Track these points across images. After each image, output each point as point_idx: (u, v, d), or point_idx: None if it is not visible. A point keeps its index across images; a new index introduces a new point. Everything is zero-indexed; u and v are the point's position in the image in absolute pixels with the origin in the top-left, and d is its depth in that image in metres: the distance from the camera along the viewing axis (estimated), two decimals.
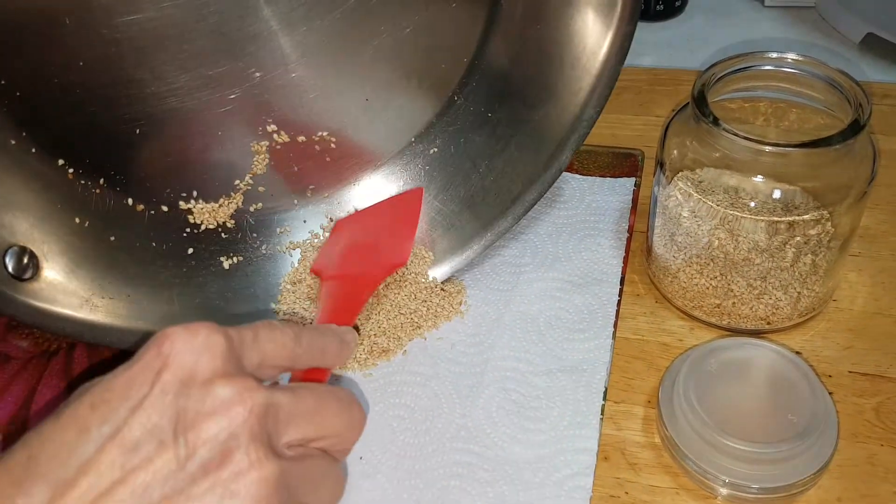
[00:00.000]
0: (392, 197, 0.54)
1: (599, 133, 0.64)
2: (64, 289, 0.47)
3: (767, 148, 0.41)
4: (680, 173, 0.46)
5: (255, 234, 0.53)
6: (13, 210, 0.46)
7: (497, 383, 0.47)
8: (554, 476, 0.42)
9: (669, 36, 0.78)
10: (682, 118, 0.47)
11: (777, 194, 0.44)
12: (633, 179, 0.59)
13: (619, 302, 0.51)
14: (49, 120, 0.46)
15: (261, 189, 0.52)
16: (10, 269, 0.45)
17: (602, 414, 0.45)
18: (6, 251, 0.45)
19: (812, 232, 0.43)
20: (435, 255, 0.53)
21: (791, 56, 0.46)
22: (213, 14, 0.45)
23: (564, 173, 0.60)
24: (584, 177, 0.60)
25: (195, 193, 0.51)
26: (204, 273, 0.52)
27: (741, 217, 0.44)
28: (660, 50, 0.76)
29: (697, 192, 0.45)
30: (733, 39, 0.75)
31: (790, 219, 0.43)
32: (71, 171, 0.48)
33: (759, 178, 0.44)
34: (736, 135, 0.42)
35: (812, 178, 0.44)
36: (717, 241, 0.45)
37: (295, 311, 0.51)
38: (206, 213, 0.52)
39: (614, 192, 0.59)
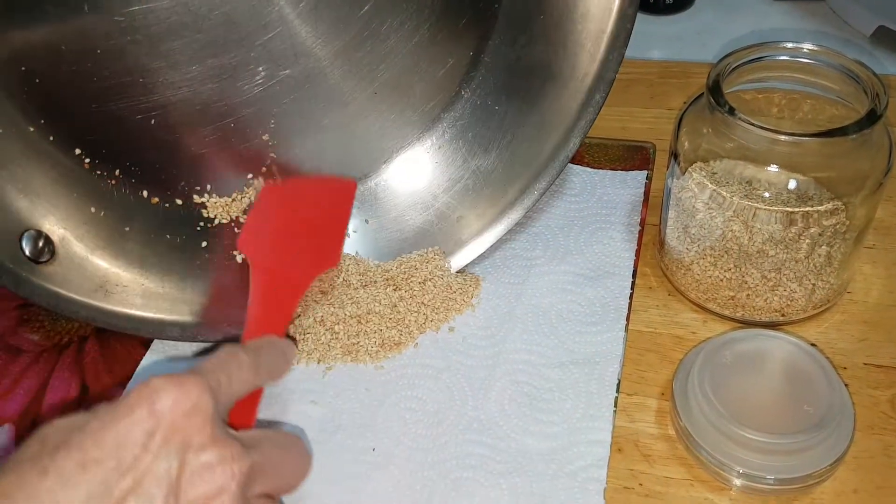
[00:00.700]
0: (322, 178, 0.53)
1: (610, 126, 0.63)
2: (79, 274, 0.48)
3: (783, 137, 0.41)
4: (694, 164, 0.46)
5: None
6: (30, 196, 0.47)
7: (509, 376, 0.47)
8: (567, 468, 0.42)
9: (679, 30, 0.77)
10: (696, 109, 0.47)
11: (792, 185, 0.44)
12: (645, 172, 0.59)
13: (631, 295, 0.51)
14: (66, 109, 0.47)
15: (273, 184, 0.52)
16: (26, 251, 0.46)
17: (615, 406, 0.45)
18: (23, 234, 0.46)
19: (827, 223, 0.43)
20: (447, 249, 0.53)
21: (806, 46, 0.45)
22: (225, 3, 0.45)
23: (575, 166, 0.60)
24: (595, 170, 0.60)
25: (209, 187, 0.52)
26: (217, 266, 0.52)
27: (756, 208, 0.43)
28: (669, 43, 0.75)
29: (712, 184, 0.45)
30: (743, 33, 0.74)
31: (805, 209, 0.43)
32: (88, 160, 0.48)
33: (774, 169, 0.44)
34: (752, 124, 0.42)
35: (827, 168, 0.44)
36: (731, 233, 0.45)
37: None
38: (220, 208, 0.52)
39: (626, 186, 0.58)
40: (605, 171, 0.60)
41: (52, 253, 0.47)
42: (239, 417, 0.38)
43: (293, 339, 0.49)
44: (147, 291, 0.50)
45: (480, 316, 0.51)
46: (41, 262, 0.46)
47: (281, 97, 0.49)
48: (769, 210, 0.43)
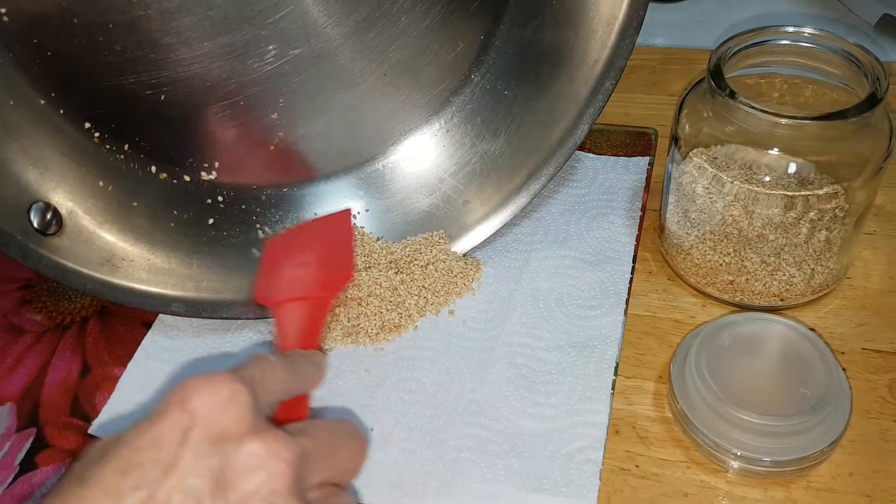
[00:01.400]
0: (319, 218, 0.54)
1: (613, 112, 0.63)
2: (86, 247, 0.48)
3: (784, 121, 0.41)
4: (695, 149, 0.46)
5: (273, 209, 0.54)
6: (40, 168, 0.47)
7: (507, 358, 0.47)
8: (564, 449, 0.42)
9: (682, 18, 0.77)
10: (696, 93, 0.47)
11: (792, 168, 0.44)
12: (647, 158, 0.59)
13: (631, 279, 0.51)
14: (77, 82, 0.47)
15: (280, 163, 0.52)
16: (34, 223, 0.46)
17: (613, 389, 0.45)
18: (31, 206, 0.46)
19: (827, 207, 0.43)
20: (452, 233, 0.53)
21: (807, 30, 0.45)
22: None
23: (577, 152, 0.60)
24: (598, 156, 0.60)
25: (217, 165, 0.52)
26: (224, 243, 0.52)
27: (756, 192, 0.43)
28: (672, 31, 0.75)
29: (712, 168, 0.45)
30: (747, 22, 0.74)
31: (805, 193, 0.43)
32: (97, 135, 0.49)
33: (774, 153, 0.44)
34: (752, 107, 0.42)
35: (828, 152, 0.44)
36: (731, 217, 0.45)
37: None
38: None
39: (628, 171, 0.58)
40: (607, 156, 0.60)
41: (60, 225, 0.47)
42: (289, 413, 0.37)
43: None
44: (153, 266, 0.50)
45: (481, 299, 0.51)
46: (48, 235, 0.46)
47: (291, 76, 0.49)
48: (769, 194, 0.43)
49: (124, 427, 0.46)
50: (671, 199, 0.48)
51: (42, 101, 0.47)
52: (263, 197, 0.54)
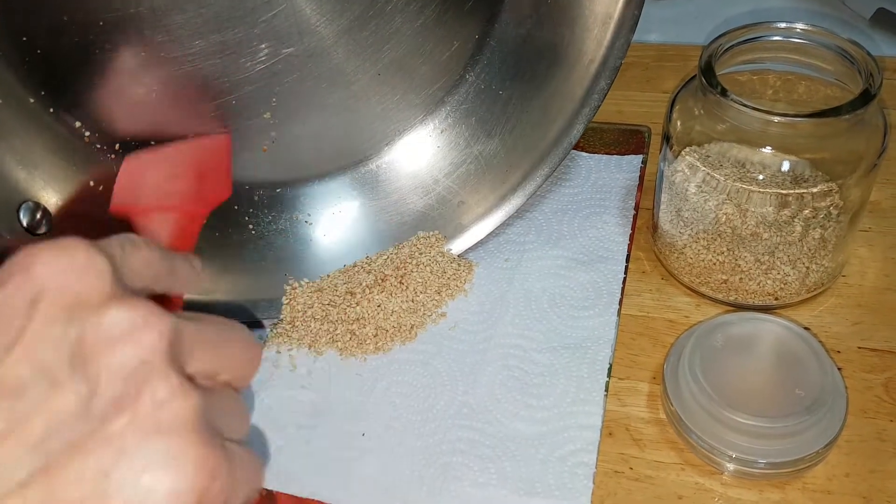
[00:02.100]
0: (191, 141, 0.49)
1: (606, 110, 0.62)
2: None
3: (776, 118, 0.40)
4: (687, 148, 0.46)
5: (266, 210, 0.53)
6: (29, 167, 0.47)
7: (500, 360, 0.47)
8: (557, 452, 0.42)
9: (676, 13, 0.77)
10: (688, 91, 0.46)
11: (786, 167, 0.43)
12: (640, 157, 0.59)
13: (624, 279, 0.50)
14: (67, 80, 0.47)
15: (273, 163, 0.52)
16: (23, 223, 0.46)
17: (606, 390, 0.45)
18: (20, 206, 0.46)
19: (821, 205, 0.42)
20: (447, 233, 0.53)
21: (800, 26, 0.45)
22: None
23: (570, 151, 0.59)
24: (590, 154, 0.60)
25: None
26: (215, 244, 0.52)
27: (749, 190, 0.43)
28: (666, 27, 0.75)
29: (705, 166, 0.44)
30: (740, 17, 0.74)
31: (799, 191, 0.42)
32: (87, 133, 0.48)
33: (767, 151, 0.43)
34: (744, 105, 0.41)
35: (821, 149, 0.43)
36: (724, 216, 0.44)
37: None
38: None
39: (621, 170, 0.58)
40: (600, 155, 0.60)
41: (50, 225, 0.47)
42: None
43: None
44: None
45: (473, 301, 0.51)
46: (38, 234, 0.46)
47: (283, 75, 0.49)
48: (763, 192, 0.43)
49: None
50: (664, 197, 0.48)
51: (31, 100, 0.47)
52: (256, 197, 0.53)
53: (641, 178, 0.57)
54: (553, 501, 0.40)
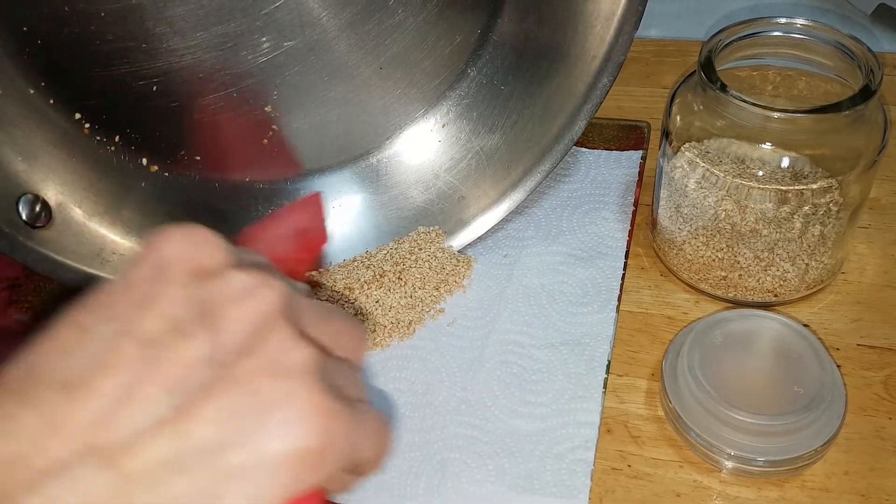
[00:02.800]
0: (292, 204, 0.51)
1: (606, 105, 0.61)
2: (75, 240, 0.48)
3: (776, 114, 0.40)
4: (686, 143, 0.45)
5: (266, 204, 0.53)
6: (29, 159, 0.47)
7: (498, 357, 0.47)
8: (555, 449, 0.42)
9: (678, 8, 0.76)
10: (688, 86, 0.46)
11: (785, 163, 0.43)
12: (640, 153, 0.58)
13: (623, 275, 0.50)
14: (68, 71, 0.46)
15: (273, 156, 0.52)
16: (23, 216, 0.46)
17: (605, 387, 0.44)
18: (20, 198, 0.46)
19: (821, 201, 0.42)
20: (447, 229, 0.53)
21: (800, 21, 0.44)
22: None
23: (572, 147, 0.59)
24: (590, 150, 0.59)
25: (209, 157, 0.51)
26: None
27: (749, 186, 0.43)
28: (667, 22, 0.74)
29: (704, 162, 0.44)
30: (741, 12, 0.73)
31: (799, 188, 0.42)
32: (87, 125, 0.48)
33: (767, 147, 0.43)
34: (744, 101, 0.41)
35: (821, 146, 0.43)
36: (723, 212, 0.44)
37: None
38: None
39: (620, 166, 0.58)
40: (599, 150, 0.59)
41: (49, 218, 0.47)
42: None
43: None
44: None
45: (471, 297, 0.51)
46: (38, 227, 0.46)
47: (285, 68, 0.49)
48: (762, 188, 0.42)
49: None
50: (663, 193, 0.48)
51: (31, 91, 0.46)
52: (256, 191, 0.53)
53: (641, 173, 0.57)
54: (551, 499, 0.40)
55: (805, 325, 0.43)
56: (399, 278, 0.50)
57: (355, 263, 0.52)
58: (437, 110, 0.54)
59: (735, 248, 0.45)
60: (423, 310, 0.50)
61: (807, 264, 0.45)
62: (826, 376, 0.40)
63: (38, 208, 0.46)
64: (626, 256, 0.51)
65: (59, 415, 0.23)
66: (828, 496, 0.39)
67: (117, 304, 0.26)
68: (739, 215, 0.44)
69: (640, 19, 0.47)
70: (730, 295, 0.47)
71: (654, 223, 0.51)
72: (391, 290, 0.50)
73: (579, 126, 0.50)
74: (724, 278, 0.47)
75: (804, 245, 0.44)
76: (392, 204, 0.54)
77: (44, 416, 0.23)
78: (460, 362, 0.47)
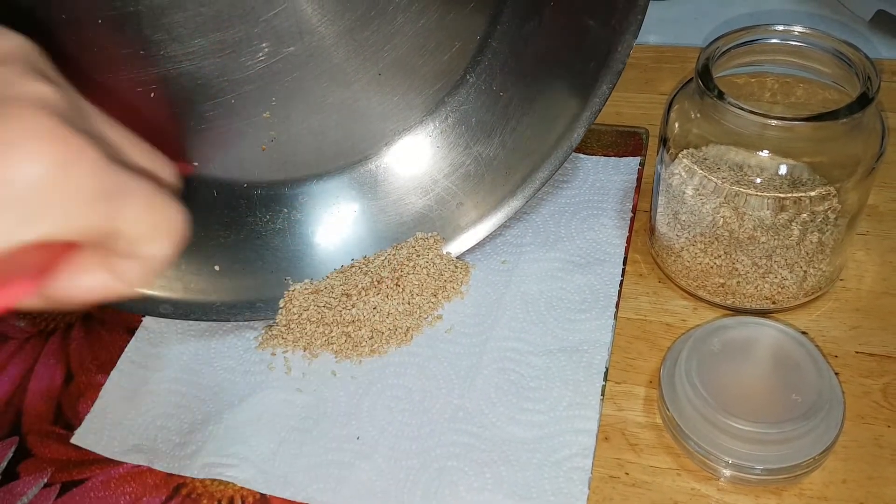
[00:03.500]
0: None
1: (604, 111, 0.61)
2: None
3: (773, 122, 0.40)
4: (684, 150, 0.45)
5: (264, 209, 0.53)
6: None
7: (496, 364, 0.46)
8: (553, 457, 0.42)
9: (676, 13, 0.76)
10: (686, 93, 0.46)
11: (783, 170, 0.43)
12: (638, 159, 0.58)
13: (621, 282, 0.50)
14: (65, 78, 0.46)
15: (272, 162, 0.52)
16: None
17: (602, 394, 0.44)
18: None
19: (819, 208, 0.42)
20: (445, 235, 0.53)
21: (798, 29, 0.44)
22: None
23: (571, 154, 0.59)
24: (588, 156, 0.59)
25: (206, 163, 0.51)
26: (211, 244, 0.51)
27: (747, 194, 0.43)
28: (666, 27, 0.74)
29: (702, 169, 0.44)
30: (740, 19, 0.73)
31: (797, 195, 0.42)
32: None
33: (764, 154, 0.43)
34: (741, 108, 0.41)
35: (819, 153, 0.43)
36: (721, 219, 0.44)
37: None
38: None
39: (618, 172, 0.58)
40: (597, 157, 0.59)
41: None
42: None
43: None
44: None
45: (469, 303, 0.51)
46: None
47: (284, 75, 0.49)
48: (760, 196, 0.42)
49: (107, 437, 0.46)
50: (661, 200, 0.48)
51: None
52: (254, 196, 0.53)
53: (639, 180, 0.57)
54: None
55: (803, 333, 0.43)
56: (397, 285, 0.50)
57: (353, 269, 0.51)
58: (435, 116, 0.54)
59: (733, 255, 0.45)
60: (420, 316, 0.50)
61: (805, 271, 0.45)
62: (824, 384, 0.39)
63: None
64: (625, 263, 0.51)
65: None
66: None
67: None
68: (737, 222, 0.44)
69: (639, 28, 0.47)
70: (728, 302, 0.47)
71: (652, 230, 0.51)
72: (389, 297, 0.49)
73: (578, 133, 0.49)
74: (723, 285, 0.46)
75: (802, 252, 0.44)
76: (390, 209, 0.54)
77: None
78: (458, 369, 0.47)
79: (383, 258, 0.52)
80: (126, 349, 0.51)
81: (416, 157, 0.54)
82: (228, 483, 0.43)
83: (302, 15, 0.47)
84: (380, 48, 0.50)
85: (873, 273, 0.49)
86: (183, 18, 0.45)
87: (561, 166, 0.50)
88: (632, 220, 0.54)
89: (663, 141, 0.46)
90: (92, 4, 0.44)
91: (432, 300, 0.50)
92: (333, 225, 0.54)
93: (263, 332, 0.51)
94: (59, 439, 0.47)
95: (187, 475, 0.44)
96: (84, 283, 0.27)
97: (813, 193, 0.42)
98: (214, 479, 0.43)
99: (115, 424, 0.47)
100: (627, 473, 0.41)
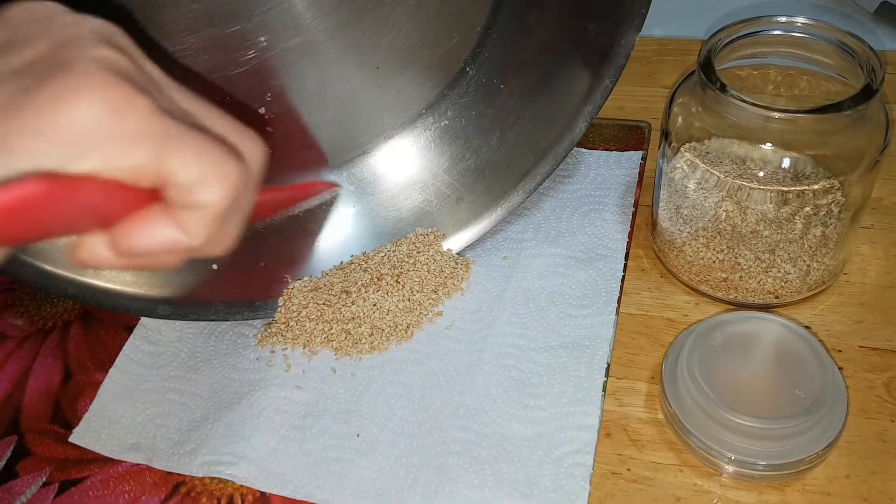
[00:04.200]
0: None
1: (606, 105, 0.61)
2: (67, 251, 0.47)
3: (776, 114, 0.40)
4: (686, 144, 0.45)
5: None
6: None
7: (496, 360, 0.46)
8: (553, 453, 0.41)
9: (679, 7, 0.76)
10: (687, 86, 0.46)
11: (786, 163, 0.42)
12: (640, 153, 0.58)
13: (623, 277, 0.50)
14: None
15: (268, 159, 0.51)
16: None
17: (604, 390, 0.44)
18: None
19: (822, 202, 0.42)
20: (445, 230, 0.52)
21: (801, 20, 0.44)
22: None
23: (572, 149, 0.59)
24: (590, 150, 0.59)
25: None
26: None
27: (749, 187, 0.42)
28: (668, 20, 0.74)
29: (704, 163, 0.44)
30: (743, 11, 0.73)
31: (800, 188, 0.41)
32: None
33: (767, 147, 0.42)
34: (744, 101, 0.40)
35: (822, 146, 0.42)
36: (724, 213, 0.44)
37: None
38: None
39: (620, 166, 0.57)
40: (599, 151, 0.59)
41: None
42: None
43: None
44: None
45: (469, 300, 0.50)
46: None
47: (279, 70, 0.48)
48: (763, 189, 0.42)
49: (106, 435, 0.46)
50: (663, 195, 0.47)
51: None
52: None
53: (641, 174, 0.56)
54: None
55: (806, 327, 0.43)
56: (397, 281, 0.49)
57: (352, 266, 0.51)
58: (435, 110, 0.53)
59: (736, 250, 0.45)
60: (421, 313, 0.49)
61: (808, 265, 0.44)
62: (827, 379, 0.39)
63: None
64: (626, 258, 0.51)
65: None
66: (829, 500, 0.38)
67: None
68: (740, 216, 0.43)
69: (643, 21, 0.46)
70: (730, 297, 0.47)
71: (654, 224, 0.50)
72: (389, 294, 0.49)
73: (580, 128, 0.49)
74: (725, 280, 0.46)
75: (805, 246, 0.44)
76: (389, 205, 0.54)
77: None
78: (458, 366, 0.46)
79: (383, 254, 0.51)
80: (124, 347, 0.51)
81: (415, 151, 0.54)
82: (228, 481, 0.43)
83: (296, 10, 0.46)
84: (377, 42, 0.49)
85: (877, 267, 0.48)
86: (176, 15, 0.44)
87: (563, 161, 0.50)
88: (634, 214, 0.53)
89: (665, 135, 0.46)
90: (82, 1, 0.43)
91: (433, 297, 0.50)
92: (332, 220, 0.54)
93: (262, 329, 0.50)
94: (57, 438, 0.47)
95: (186, 473, 0.44)
96: (152, 235, 0.30)
97: (816, 187, 0.41)
98: (214, 478, 0.43)
99: (114, 423, 0.47)
100: (629, 469, 0.41)
